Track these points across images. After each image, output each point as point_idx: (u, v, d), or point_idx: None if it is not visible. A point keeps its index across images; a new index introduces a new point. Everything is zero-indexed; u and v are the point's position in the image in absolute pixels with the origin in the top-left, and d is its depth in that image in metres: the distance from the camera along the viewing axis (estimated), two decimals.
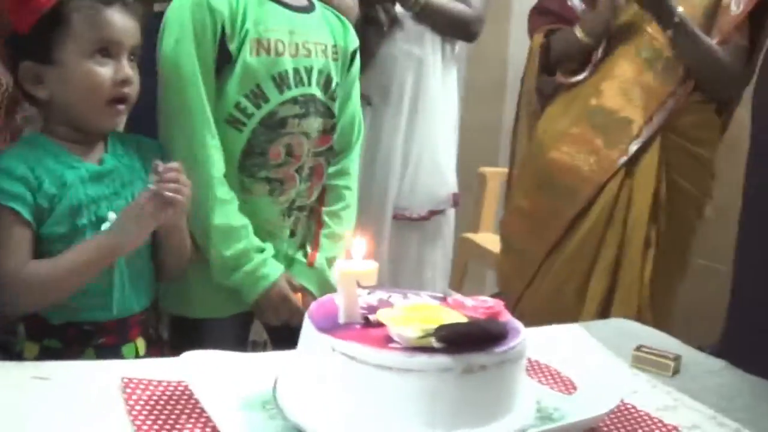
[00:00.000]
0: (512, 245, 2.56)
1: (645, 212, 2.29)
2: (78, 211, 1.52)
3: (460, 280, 3.46)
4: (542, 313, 2.38)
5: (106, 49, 1.55)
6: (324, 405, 1.09)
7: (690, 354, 1.62)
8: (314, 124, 1.87)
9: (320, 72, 1.87)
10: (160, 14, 2.18)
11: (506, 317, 1.15)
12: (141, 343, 1.65)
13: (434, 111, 2.75)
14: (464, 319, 1.09)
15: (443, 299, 1.22)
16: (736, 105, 2.43)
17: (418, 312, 1.10)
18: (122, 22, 1.57)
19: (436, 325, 1.03)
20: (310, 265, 1.94)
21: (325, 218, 1.98)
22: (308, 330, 1.13)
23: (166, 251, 1.68)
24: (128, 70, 1.57)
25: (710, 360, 1.62)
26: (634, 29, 2.38)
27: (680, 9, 2.26)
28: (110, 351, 1.56)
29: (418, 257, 2.83)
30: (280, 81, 1.80)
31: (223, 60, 1.76)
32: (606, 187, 2.32)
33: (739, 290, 1.79)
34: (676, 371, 1.52)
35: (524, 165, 2.57)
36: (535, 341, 1.57)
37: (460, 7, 2.71)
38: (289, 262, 1.94)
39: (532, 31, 2.61)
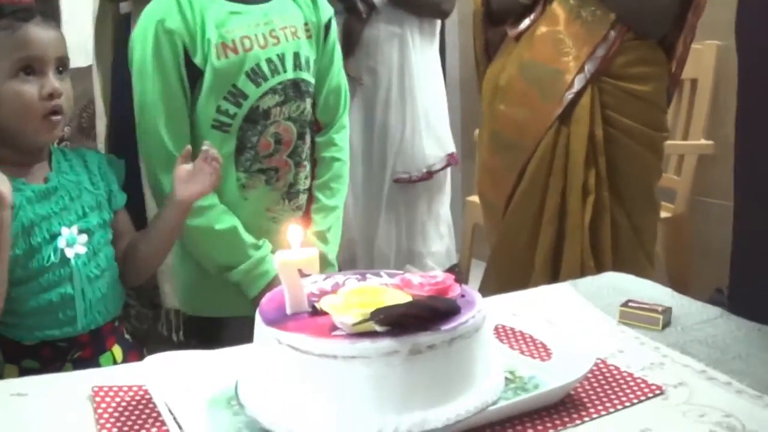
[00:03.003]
0: (485, 201, 2.55)
1: (581, 159, 2.24)
2: (31, 231, 1.53)
3: (470, 244, 3.44)
4: (505, 266, 2.41)
5: (30, 66, 1.53)
6: (279, 398, 1.07)
7: (683, 304, 1.57)
8: (302, 106, 1.90)
9: (295, 55, 1.88)
10: (128, 15, 2.19)
11: (456, 291, 1.11)
12: (117, 351, 1.65)
13: (421, 82, 2.94)
14: (407, 299, 1.06)
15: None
16: (686, 37, 2.34)
17: (360, 296, 1.07)
18: (42, 37, 1.54)
19: (373, 309, 1.00)
20: (304, 244, 1.92)
21: (315, 192, 1.99)
22: (258, 324, 1.11)
23: (153, 252, 1.69)
24: (54, 83, 1.54)
25: (705, 309, 1.55)
26: None
27: None
28: (88, 363, 1.55)
29: (427, 216, 3.03)
30: (254, 75, 1.82)
31: (195, 73, 1.79)
32: (544, 138, 2.28)
33: (740, 226, 1.74)
34: (666, 324, 1.47)
35: (481, 122, 2.55)
36: (518, 305, 1.56)
37: None
38: None
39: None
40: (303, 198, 1.97)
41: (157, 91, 1.77)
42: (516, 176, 2.33)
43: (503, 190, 2.37)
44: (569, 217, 2.28)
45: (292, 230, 1.13)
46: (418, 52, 2.93)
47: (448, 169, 3.07)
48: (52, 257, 1.54)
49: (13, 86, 1.52)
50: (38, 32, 1.54)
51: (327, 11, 1.99)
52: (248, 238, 1.85)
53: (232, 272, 1.85)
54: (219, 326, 1.95)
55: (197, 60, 1.78)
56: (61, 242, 1.55)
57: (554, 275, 2.26)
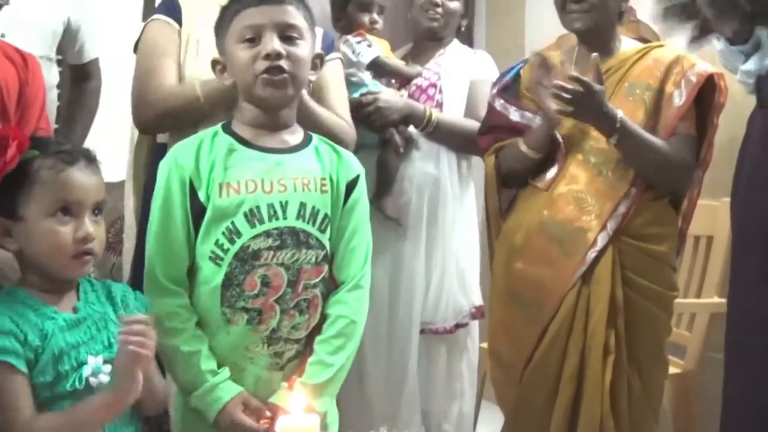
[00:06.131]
0: (499, 358, 2.52)
1: (603, 319, 2.26)
2: (60, 359, 1.59)
3: (480, 390, 3.30)
4: (523, 426, 2.39)
5: (68, 208, 1.61)
6: None
7: None
8: (297, 255, 1.92)
9: (302, 204, 1.93)
10: (163, 145, 2.28)
11: None
12: None
13: (453, 228, 2.82)
14: None
15: None
16: (692, 192, 2.43)
17: None
18: (83, 181, 1.64)
19: None
20: (289, 389, 1.90)
21: (315, 345, 1.96)
22: None
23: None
24: (89, 228, 1.62)
25: None
26: (580, 134, 2.39)
27: (620, 113, 2.26)
28: None
29: (447, 370, 2.87)
30: (252, 216, 1.89)
31: (199, 206, 1.90)
32: (566, 298, 2.30)
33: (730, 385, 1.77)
34: None
35: (494, 280, 2.55)
36: None
37: (472, 124, 2.76)
38: (272, 392, 1.94)
39: (482, 154, 2.61)
40: (286, 347, 1.95)
41: (160, 221, 1.89)
42: (537, 335, 2.33)
43: (522, 349, 2.37)
44: (588, 377, 2.28)
45: (295, 397, 1.17)
46: (455, 194, 2.82)
47: (476, 323, 2.91)
48: (77, 384, 1.60)
49: (50, 225, 1.61)
50: (81, 177, 1.64)
51: (353, 169, 2.03)
52: (207, 365, 1.88)
53: (190, 396, 1.89)
54: None
55: (201, 194, 1.88)
56: (86, 371, 1.61)
57: None
